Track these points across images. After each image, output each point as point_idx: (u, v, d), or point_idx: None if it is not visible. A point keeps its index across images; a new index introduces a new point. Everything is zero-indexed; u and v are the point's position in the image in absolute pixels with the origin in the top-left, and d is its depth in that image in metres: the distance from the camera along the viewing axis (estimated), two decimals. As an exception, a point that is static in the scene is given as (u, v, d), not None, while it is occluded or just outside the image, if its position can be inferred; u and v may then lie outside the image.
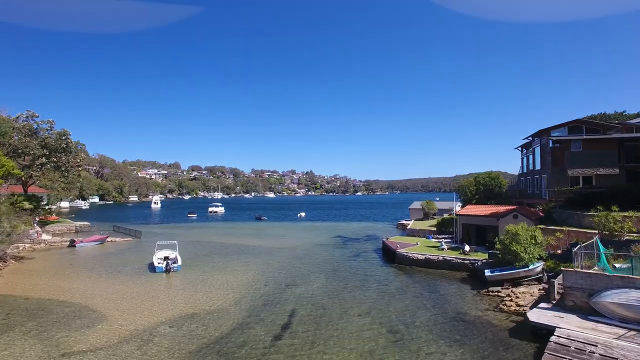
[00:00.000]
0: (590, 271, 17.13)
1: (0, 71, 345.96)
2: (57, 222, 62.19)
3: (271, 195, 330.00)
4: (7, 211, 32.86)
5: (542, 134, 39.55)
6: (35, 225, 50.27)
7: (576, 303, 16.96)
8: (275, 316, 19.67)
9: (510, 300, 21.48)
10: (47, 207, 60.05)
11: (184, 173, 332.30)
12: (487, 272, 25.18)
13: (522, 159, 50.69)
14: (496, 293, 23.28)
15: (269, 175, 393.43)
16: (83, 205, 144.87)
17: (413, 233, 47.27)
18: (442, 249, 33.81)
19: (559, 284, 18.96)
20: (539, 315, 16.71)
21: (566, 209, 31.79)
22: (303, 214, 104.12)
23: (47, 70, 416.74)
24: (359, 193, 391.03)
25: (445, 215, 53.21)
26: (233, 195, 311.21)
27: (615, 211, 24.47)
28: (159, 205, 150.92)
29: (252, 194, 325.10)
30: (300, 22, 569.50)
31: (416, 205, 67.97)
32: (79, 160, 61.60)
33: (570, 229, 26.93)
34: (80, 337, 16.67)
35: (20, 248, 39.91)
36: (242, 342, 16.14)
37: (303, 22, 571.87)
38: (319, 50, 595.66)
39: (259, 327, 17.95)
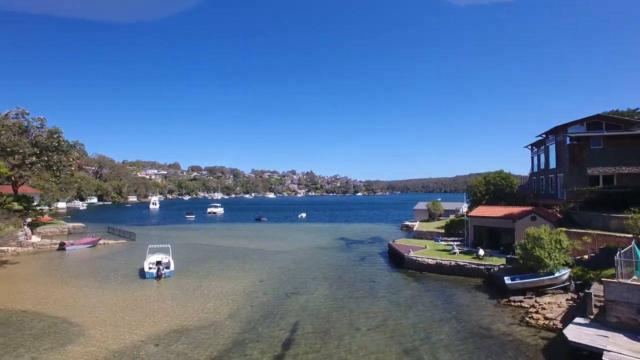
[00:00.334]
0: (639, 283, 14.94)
1: (0, 71, 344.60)
2: (49, 223, 59.99)
3: (271, 195, 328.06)
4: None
5: (557, 131, 37.37)
6: (25, 227, 48.05)
7: (621, 320, 14.75)
8: (275, 332, 17.47)
9: (537, 312, 19.39)
10: (38, 208, 57.74)
11: (184, 173, 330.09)
12: (508, 280, 22.96)
13: (533, 157, 48.46)
14: (519, 303, 21.10)
15: (269, 175, 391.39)
16: (81, 206, 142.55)
17: (420, 235, 44.98)
18: (454, 253, 31.62)
19: (595, 295, 16.78)
20: (579, 334, 14.50)
21: (587, 210, 29.62)
22: (304, 215, 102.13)
23: (47, 70, 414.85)
24: (359, 193, 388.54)
25: (453, 217, 51.01)
26: (233, 195, 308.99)
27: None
28: (158, 205, 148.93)
29: (252, 194, 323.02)
30: (300, 22, 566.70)
31: (421, 205, 65.45)
32: (71, 160, 59.36)
33: (596, 232, 24.67)
34: (50, 358, 14.48)
35: (5, 251, 37.73)
36: (237, 366, 13.98)
37: (303, 22, 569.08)
38: (319, 50, 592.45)
39: (257, 346, 15.76)
